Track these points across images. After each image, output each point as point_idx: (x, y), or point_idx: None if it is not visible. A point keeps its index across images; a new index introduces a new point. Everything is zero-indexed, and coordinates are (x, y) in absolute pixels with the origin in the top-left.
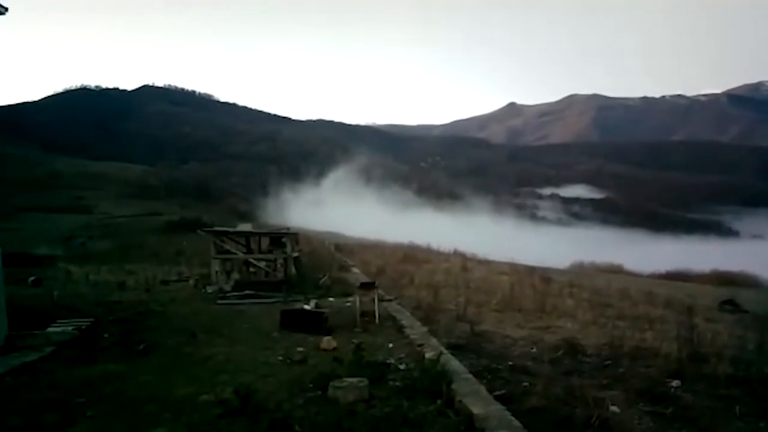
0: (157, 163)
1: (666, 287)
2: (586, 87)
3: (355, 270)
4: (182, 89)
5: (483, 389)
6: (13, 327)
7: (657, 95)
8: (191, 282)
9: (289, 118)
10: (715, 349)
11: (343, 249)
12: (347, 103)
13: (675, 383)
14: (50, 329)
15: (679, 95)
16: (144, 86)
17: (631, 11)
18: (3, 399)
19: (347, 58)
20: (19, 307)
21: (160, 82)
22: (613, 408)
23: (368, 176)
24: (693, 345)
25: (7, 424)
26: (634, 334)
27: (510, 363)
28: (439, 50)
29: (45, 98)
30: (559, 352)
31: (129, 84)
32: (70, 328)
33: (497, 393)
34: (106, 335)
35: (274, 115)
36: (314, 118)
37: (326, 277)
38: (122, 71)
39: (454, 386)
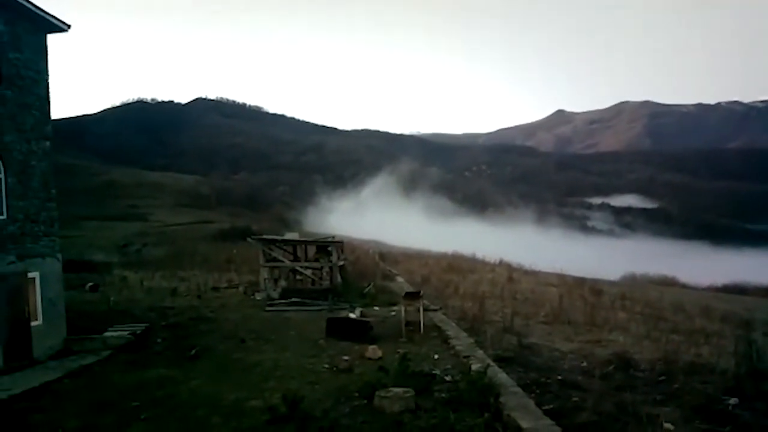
0: (209, 173)
1: (723, 301)
2: (637, 93)
3: (400, 279)
4: (233, 102)
5: (532, 403)
6: (72, 331)
7: (712, 101)
8: (240, 289)
9: (336, 129)
10: None
11: (387, 258)
12: (392, 113)
13: (733, 401)
14: (107, 334)
15: (735, 101)
16: (197, 99)
17: (684, 16)
18: (62, 401)
19: (390, 67)
20: (77, 312)
21: (212, 95)
22: (668, 425)
23: (413, 185)
24: (752, 361)
25: (66, 426)
26: (689, 349)
27: (559, 377)
28: (484, 57)
29: (103, 111)
30: (611, 367)
31: (183, 97)
32: (125, 332)
33: (546, 407)
34: (159, 340)
35: (321, 125)
36: (359, 128)
37: (371, 285)
38: (176, 85)
39: (502, 399)
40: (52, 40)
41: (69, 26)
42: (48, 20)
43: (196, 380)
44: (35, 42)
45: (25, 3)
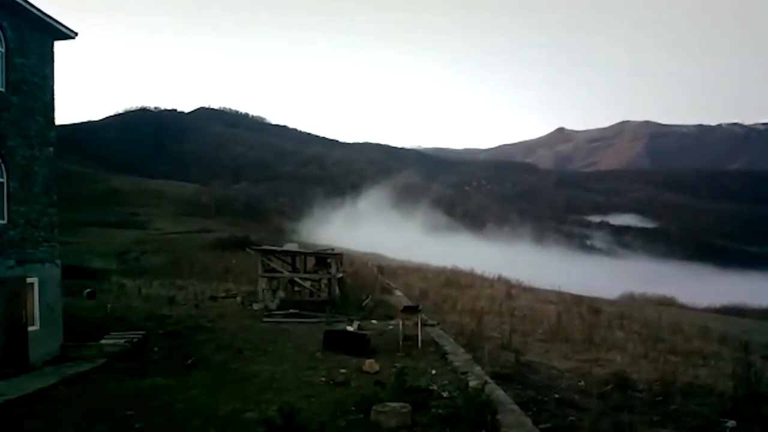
0: (210, 182)
1: (721, 322)
2: (638, 113)
3: (398, 293)
4: (236, 111)
5: (529, 421)
6: (68, 337)
7: (713, 123)
8: (238, 299)
9: (337, 141)
10: None
11: (386, 271)
12: (393, 126)
13: (730, 423)
14: (103, 341)
15: (735, 123)
16: (200, 108)
17: (686, 37)
18: (56, 408)
19: (393, 81)
20: (74, 318)
21: (215, 105)
22: None
23: (413, 199)
24: (750, 384)
25: None
26: (687, 370)
27: (556, 395)
28: (486, 74)
29: (106, 118)
30: (608, 386)
31: (186, 106)
32: (122, 340)
33: (543, 426)
34: (156, 349)
35: (323, 137)
36: (361, 140)
37: (369, 298)
38: (180, 94)
39: (499, 417)
40: (58, 46)
41: (76, 34)
42: (56, 27)
43: (192, 390)
44: (42, 48)
45: (34, 10)
